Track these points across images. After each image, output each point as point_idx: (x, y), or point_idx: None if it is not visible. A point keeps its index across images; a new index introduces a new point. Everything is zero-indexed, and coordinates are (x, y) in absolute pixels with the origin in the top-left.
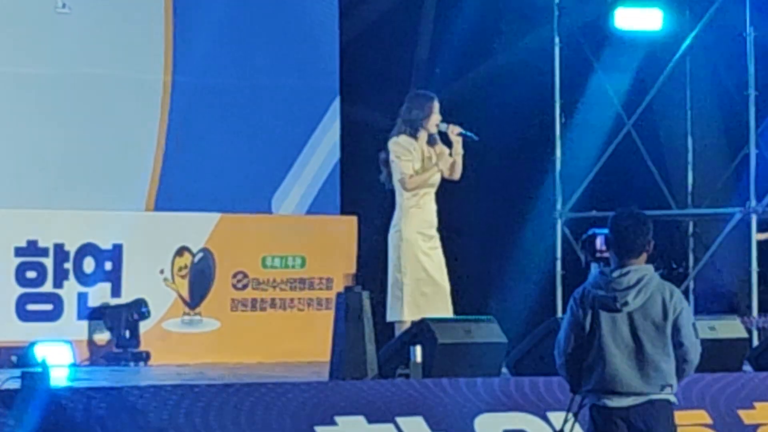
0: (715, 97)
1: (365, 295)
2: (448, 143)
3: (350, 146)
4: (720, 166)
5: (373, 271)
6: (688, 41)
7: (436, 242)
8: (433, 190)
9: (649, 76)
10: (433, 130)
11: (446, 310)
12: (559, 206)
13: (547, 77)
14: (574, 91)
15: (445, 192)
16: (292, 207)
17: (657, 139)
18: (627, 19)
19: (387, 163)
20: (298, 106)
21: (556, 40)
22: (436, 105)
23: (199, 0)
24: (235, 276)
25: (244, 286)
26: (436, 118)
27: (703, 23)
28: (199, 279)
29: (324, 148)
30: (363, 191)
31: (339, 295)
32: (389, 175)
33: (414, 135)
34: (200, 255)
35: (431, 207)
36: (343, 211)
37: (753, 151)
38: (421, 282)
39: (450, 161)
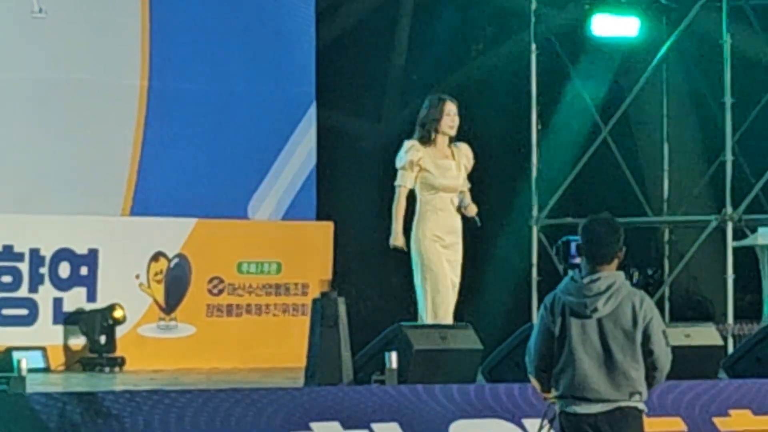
0: (692, 104)
1: (341, 301)
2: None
3: (327, 152)
4: (696, 173)
5: (348, 277)
6: (664, 49)
7: (456, 250)
8: (452, 195)
9: (626, 83)
10: (447, 131)
11: (449, 318)
12: (534, 213)
13: (523, 84)
14: (551, 98)
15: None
16: (268, 213)
17: (633, 146)
18: (604, 27)
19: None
20: (275, 111)
21: (533, 46)
22: (448, 106)
23: (175, 6)
24: (210, 281)
25: (220, 292)
26: (448, 119)
27: (679, 31)
28: (175, 284)
29: (300, 153)
30: (339, 197)
31: (315, 300)
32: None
33: (427, 138)
34: (176, 260)
35: (451, 212)
36: (319, 217)
37: (729, 159)
38: (443, 280)
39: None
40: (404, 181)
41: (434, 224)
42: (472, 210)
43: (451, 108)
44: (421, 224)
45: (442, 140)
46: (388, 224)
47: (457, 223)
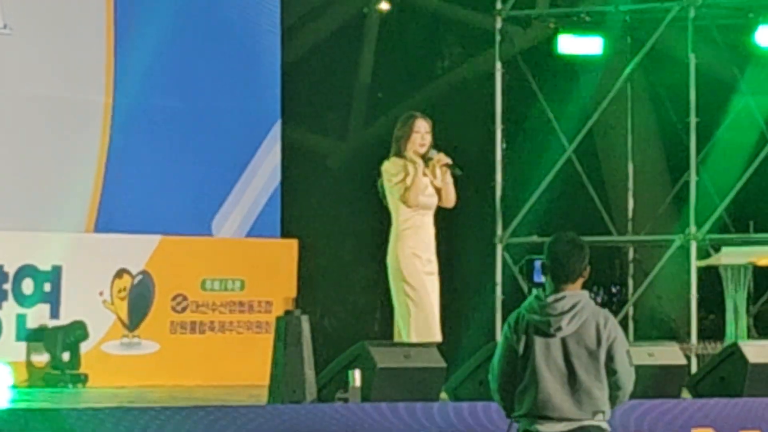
0: (657, 123)
1: (305, 319)
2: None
3: (291, 169)
4: (660, 192)
5: (313, 294)
6: (629, 68)
7: (434, 267)
8: (428, 213)
9: (591, 102)
10: (418, 149)
11: (437, 336)
12: (499, 231)
13: (489, 102)
14: (516, 117)
15: (387, 215)
16: (233, 230)
17: (598, 165)
18: (569, 45)
19: (382, 188)
20: (239, 128)
21: (498, 65)
22: (418, 123)
23: (140, 21)
24: (174, 299)
25: (184, 309)
26: (417, 137)
27: (645, 50)
28: (139, 301)
29: (265, 171)
30: (304, 215)
31: (278, 318)
32: (387, 200)
33: (399, 154)
34: (140, 277)
35: (427, 230)
36: (284, 235)
37: (693, 178)
38: (425, 299)
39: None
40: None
41: (413, 242)
42: (443, 159)
43: (421, 125)
44: (399, 243)
45: (413, 156)
46: (353, 241)
47: (433, 239)
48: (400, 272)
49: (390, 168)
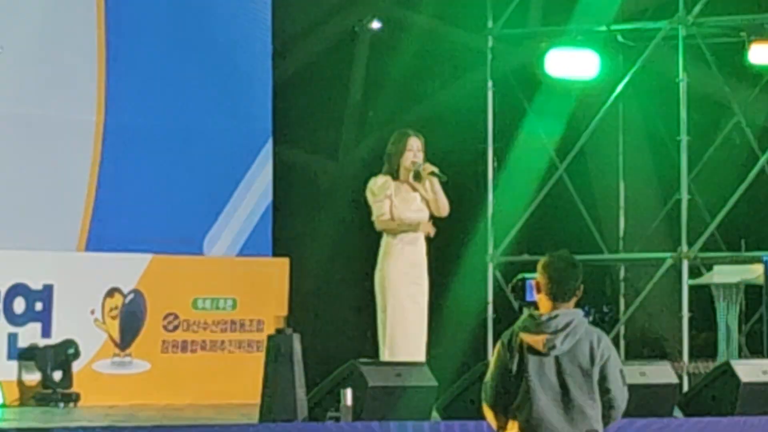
0: (648, 142)
1: (296, 337)
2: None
3: (283, 188)
4: (651, 211)
5: (304, 313)
6: (621, 86)
7: (421, 283)
8: (418, 229)
9: (582, 120)
10: (409, 166)
11: (421, 356)
12: (490, 250)
13: (480, 121)
14: (508, 135)
15: (378, 233)
16: (224, 249)
17: (589, 183)
18: (559, 64)
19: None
20: (231, 147)
21: (489, 83)
22: (412, 141)
23: (132, 40)
24: (165, 317)
25: (175, 328)
26: (410, 155)
27: (636, 68)
28: (130, 320)
29: (256, 189)
30: (295, 233)
31: (270, 337)
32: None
33: (392, 172)
34: (131, 296)
35: (417, 246)
36: (275, 254)
37: (685, 197)
38: (403, 323)
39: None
40: (384, 211)
41: (400, 260)
42: (429, 168)
43: (414, 143)
44: (386, 260)
45: (406, 174)
46: (344, 260)
47: (423, 257)
48: (382, 290)
49: (372, 186)
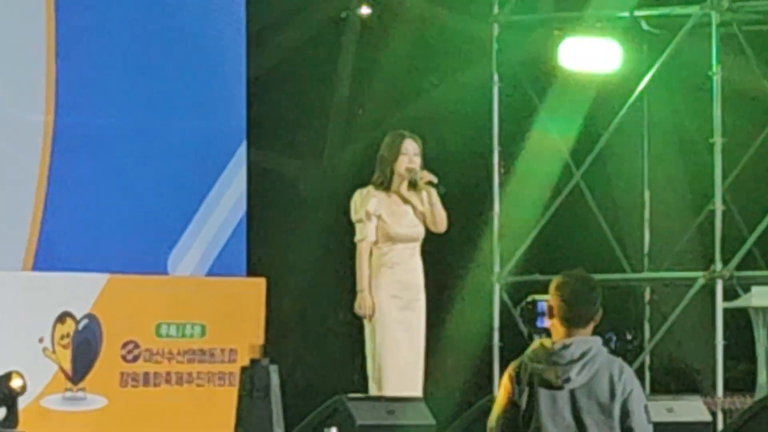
0: (677, 144)
1: (273, 369)
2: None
3: (259, 197)
4: (681, 223)
5: (284, 341)
6: (645, 81)
7: (415, 307)
8: (411, 246)
9: (601, 119)
10: (404, 173)
11: (416, 390)
12: (496, 268)
13: (484, 121)
14: (516, 137)
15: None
16: (192, 267)
17: (609, 192)
18: (575, 55)
19: None
20: (199, 151)
21: (495, 78)
22: (407, 144)
23: (85, 30)
24: (125, 346)
25: (135, 358)
26: (405, 159)
27: (663, 60)
28: (84, 349)
29: (228, 199)
30: (273, 249)
31: (244, 368)
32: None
33: (384, 180)
34: (85, 321)
35: (409, 265)
36: (250, 273)
37: (719, 207)
38: (392, 354)
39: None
40: (366, 234)
41: (390, 280)
42: (426, 177)
43: (409, 146)
44: (374, 281)
45: (399, 183)
46: (329, 280)
47: (417, 277)
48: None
49: (355, 200)
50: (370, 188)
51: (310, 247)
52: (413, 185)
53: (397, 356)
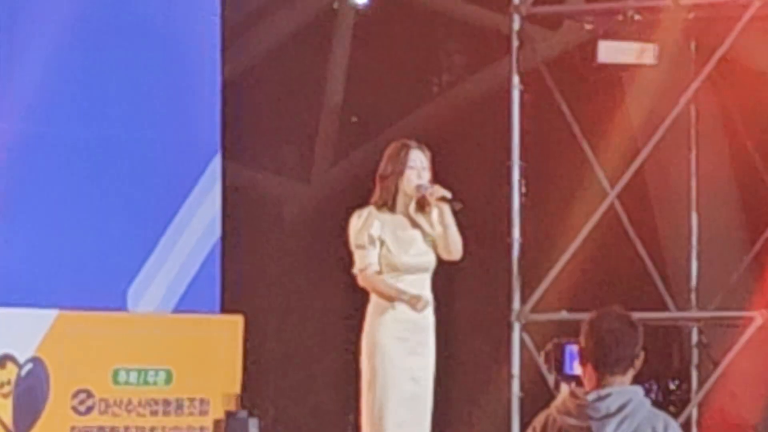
0: (730, 159)
1: (252, 423)
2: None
3: (235, 221)
4: (735, 253)
5: (264, 390)
6: (695, 85)
7: (424, 352)
8: (422, 277)
9: (641, 130)
10: (411, 192)
11: None
12: (516, 305)
13: (502, 129)
14: (539, 149)
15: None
16: (156, 302)
17: (651, 215)
18: (610, 51)
19: None
20: (166, 166)
21: (515, 79)
22: (414, 156)
23: (35, 27)
24: (76, 395)
25: (89, 410)
26: (413, 175)
27: (714, 60)
28: (28, 399)
29: (199, 222)
30: (252, 282)
31: (217, 422)
32: None
33: (386, 200)
34: (29, 366)
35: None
36: (225, 309)
37: None
38: (395, 405)
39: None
40: (369, 261)
41: (395, 319)
42: (439, 192)
43: (416, 159)
44: (378, 320)
45: (405, 203)
46: (317, 318)
47: (428, 317)
48: (370, 361)
49: (354, 224)
50: (371, 209)
51: (294, 280)
52: (421, 206)
53: (402, 410)
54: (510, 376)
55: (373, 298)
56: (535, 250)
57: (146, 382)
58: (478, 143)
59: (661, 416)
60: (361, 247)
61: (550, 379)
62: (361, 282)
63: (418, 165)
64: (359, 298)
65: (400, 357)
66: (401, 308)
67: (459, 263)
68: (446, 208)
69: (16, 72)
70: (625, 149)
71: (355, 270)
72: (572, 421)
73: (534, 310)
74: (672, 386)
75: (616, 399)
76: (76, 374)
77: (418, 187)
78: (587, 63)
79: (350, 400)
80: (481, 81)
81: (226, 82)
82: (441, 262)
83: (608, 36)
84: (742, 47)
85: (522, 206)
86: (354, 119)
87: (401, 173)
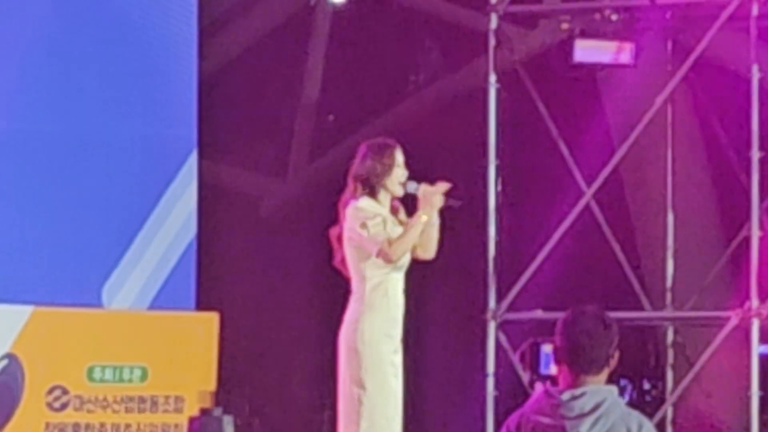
0: (706, 158)
1: (227, 420)
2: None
3: (211, 218)
4: (711, 253)
5: (239, 387)
6: (671, 85)
7: (400, 345)
8: (401, 275)
9: (617, 129)
10: (397, 191)
11: None
12: (492, 304)
13: (478, 128)
14: (515, 148)
15: (341, 279)
16: (131, 299)
17: (625, 214)
18: (587, 52)
19: (341, 239)
20: (141, 163)
21: (492, 78)
22: (399, 156)
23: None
24: (51, 392)
25: (64, 406)
26: (399, 172)
27: (691, 59)
28: (2, 396)
29: (175, 219)
30: (228, 279)
31: (192, 420)
32: (348, 257)
33: (373, 197)
34: (4, 363)
35: (399, 298)
36: (200, 306)
37: (755, 234)
38: (385, 401)
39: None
40: (387, 233)
41: (384, 316)
42: (435, 189)
43: (400, 158)
44: (368, 316)
45: (385, 200)
46: (294, 316)
47: (402, 309)
48: (358, 358)
49: (367, 207)
50: (372, 200)
51: (270, 277)
52: (394, 207)
53: (389, 409)
54: (485, 374)
55: (361, 290)
56: (511, 249)
57: (121, 379)
58: (455, 141)
59: (636, 416)
60: (379, 223)
61: (525, 378)
62: (393, 253)
63: (401, 164)
64: (336, 295)
65: (388, 354)
66: (390, 304)
67: (434, 262)
68: (430, 208)
69: None
70: (601, 149)
71: (381, 243)
72: (546, 420)
73: (510, 308)
74: (647, 386)
75: (590, 398)
76: (51, 371)
77: (407, 184)
78: (564, 62)
79: (324, 397)
80: (457, 79)
81: (203, 78)
82: (415, 261)
83: (585, 35)
84: (720, 47)
85: (498, 205)
86: (331, 117)
87: (389, 172)
